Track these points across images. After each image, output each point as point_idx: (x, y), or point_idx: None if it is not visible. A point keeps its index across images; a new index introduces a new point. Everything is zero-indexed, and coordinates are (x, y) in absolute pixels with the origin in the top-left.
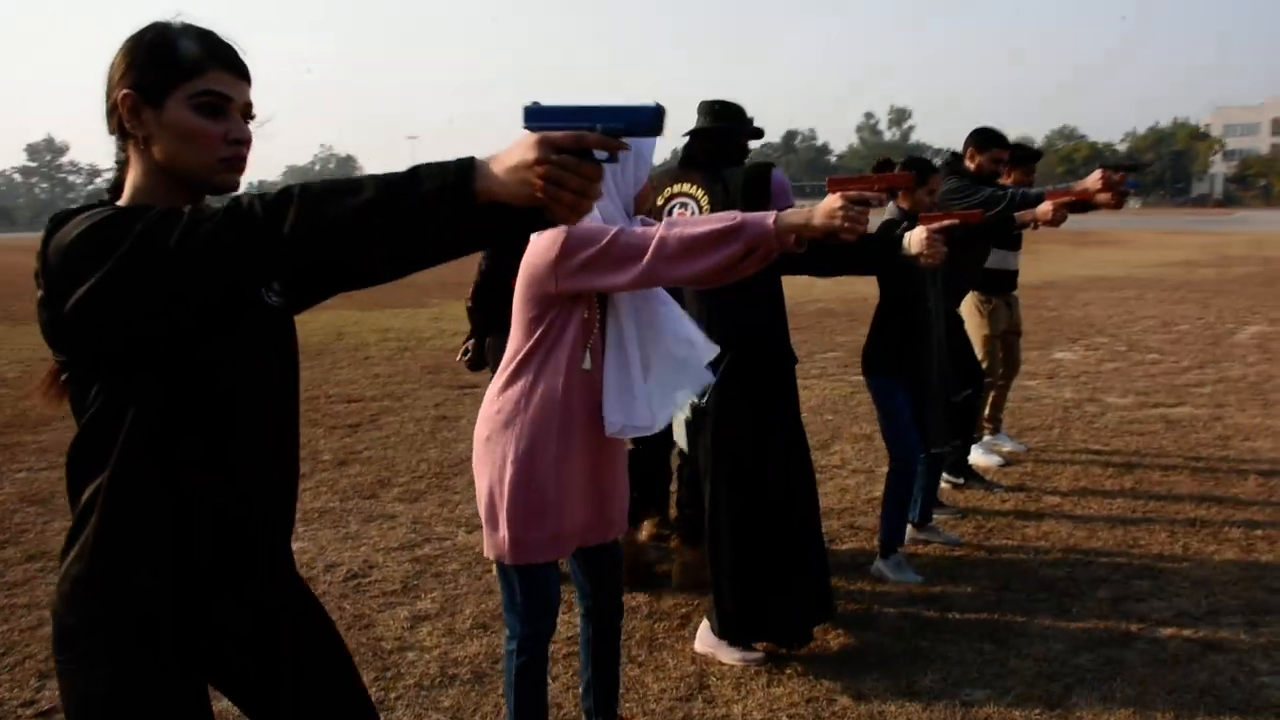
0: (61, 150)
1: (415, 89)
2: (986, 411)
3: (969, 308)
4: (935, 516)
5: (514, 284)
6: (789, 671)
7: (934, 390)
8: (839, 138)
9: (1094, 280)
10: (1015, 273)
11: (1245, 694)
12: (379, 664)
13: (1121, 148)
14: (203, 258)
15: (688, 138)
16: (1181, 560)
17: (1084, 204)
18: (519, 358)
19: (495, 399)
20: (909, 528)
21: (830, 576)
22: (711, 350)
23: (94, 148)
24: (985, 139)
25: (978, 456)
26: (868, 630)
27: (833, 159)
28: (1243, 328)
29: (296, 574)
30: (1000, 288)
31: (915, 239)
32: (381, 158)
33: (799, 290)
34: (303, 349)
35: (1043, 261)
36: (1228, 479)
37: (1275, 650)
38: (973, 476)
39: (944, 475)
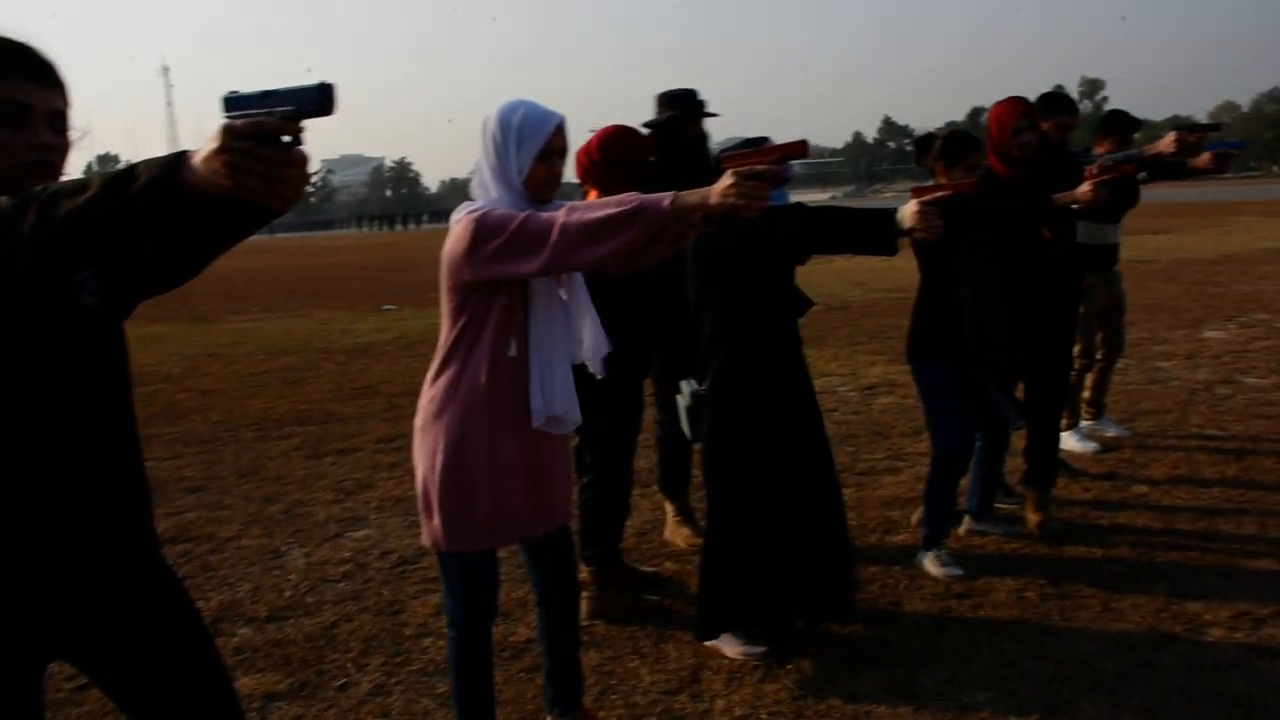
0: None
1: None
2: (1087, 395)
3: None
4: (1004, 505)
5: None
6: (789, 667)
7: (989, 374)
8: None
9: (1278, 253)
10: (1114, 246)
11: None
12: (392, 649)
13: None
14: None
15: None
16: (1263, 555)
17: (1176, 170)
18: (447, 347)
19: (428, 389)
20: (966, 519)
21: (847, 570)
22: (597, 351)
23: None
24: (1048, 105)
25: (1071, 442)
26: (889, 626)
27: None
28: None
29: (156, 563)
30: (1097, 263)
31: (908, 213)
32: None
33: None
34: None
35: (1227, 234)
36: None
37: None
38: (1058, 464)
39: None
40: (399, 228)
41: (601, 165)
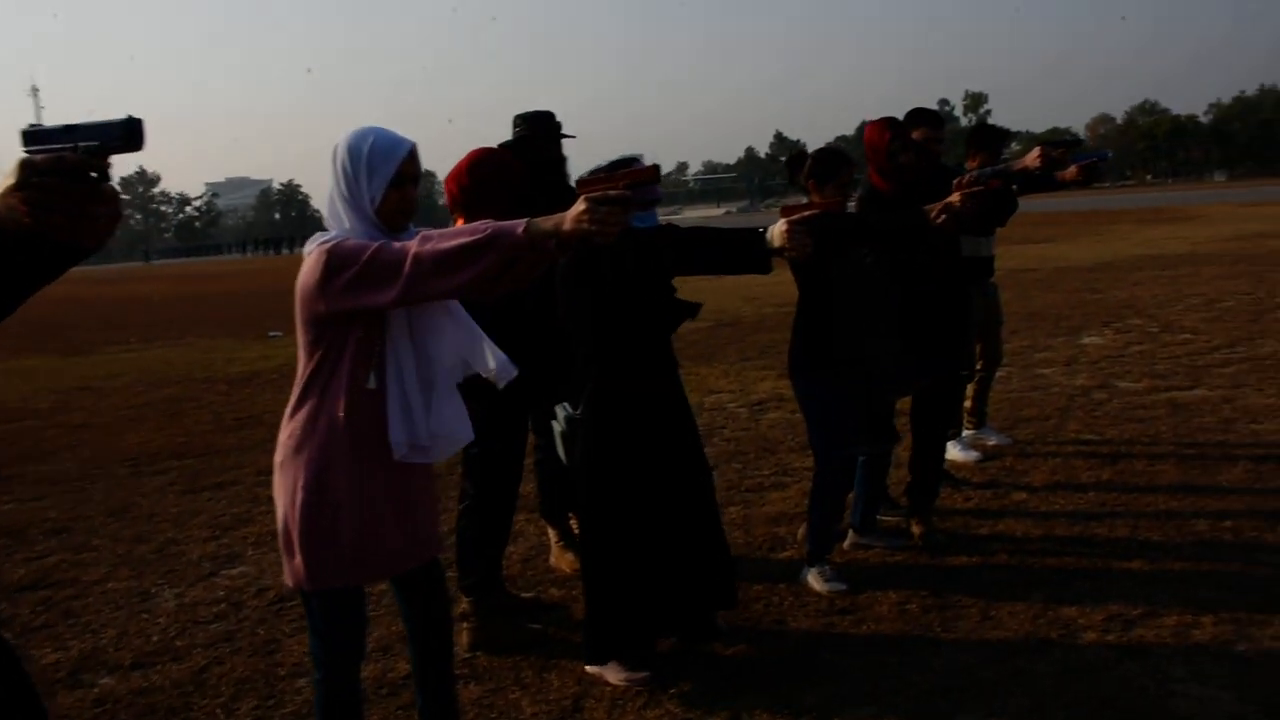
0: (153, 181)
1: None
2: (968, 404)
3: None
4: (889, 517)
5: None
6: (672, 691)
7: (870, 388)
8: None
9: (1151, 259)
10: (989, 259)
11: (1150, 704)
12: (265, 691)
13: (1206, 120)
14: None
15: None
16: (1135, 556)
17: (1045, 183)
18: (304, 381)
19: (287, 424)
20: (850, 532)
21: (729, 588)
22: (505, 373)
23: (184, 178)
24: (913, 120)
25: (953, 452)
26: (773, 644)
27: None
28: None
29: None
30: (972, 275)
31: (776, 232)
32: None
33: None
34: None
35: (1104, 241)
36: (1216, 466)
37: (1200, 655)
38: (943, 475)
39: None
40: (285, 251)
41: (471, 190)
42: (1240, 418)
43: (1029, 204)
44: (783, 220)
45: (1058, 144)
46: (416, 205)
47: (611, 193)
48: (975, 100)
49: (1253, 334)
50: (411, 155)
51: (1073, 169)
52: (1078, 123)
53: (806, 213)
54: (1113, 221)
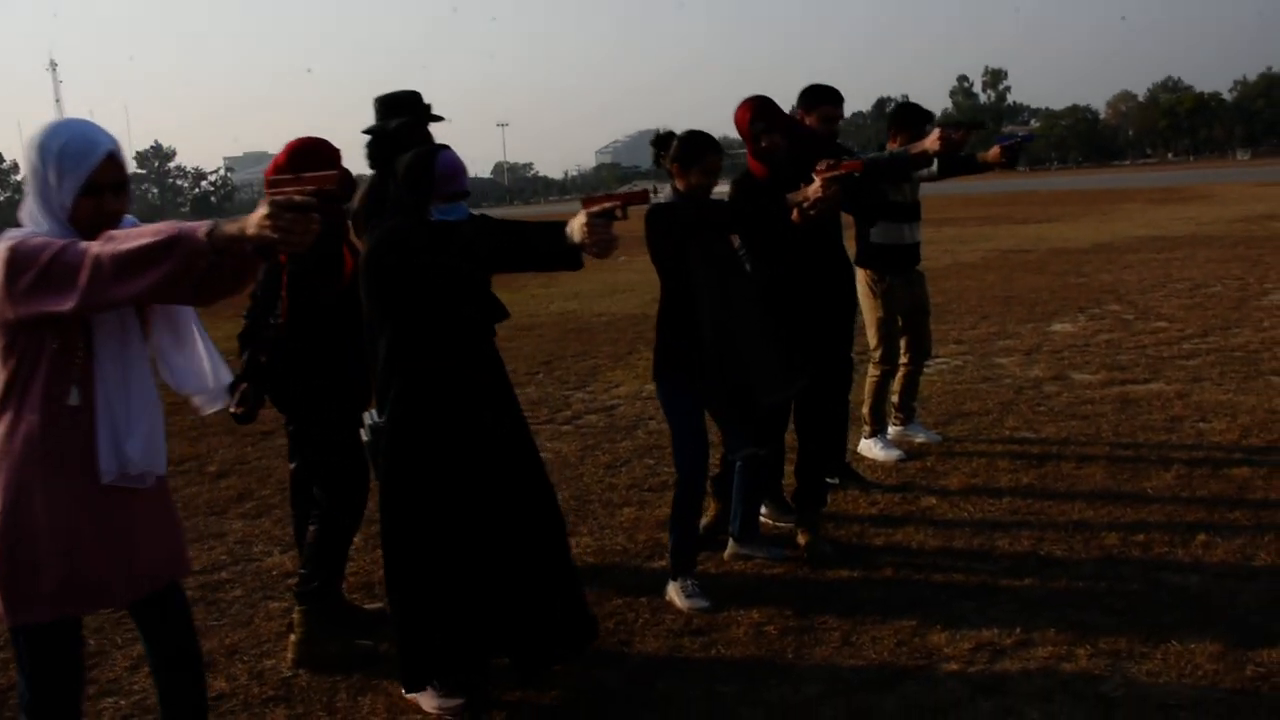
0: (169, 156)
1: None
2: (895, 399)
3: (861, 287)
4: (782, 523)
5: None
6: None
7: (734, 390)
8: (932, 102)
9: (1151, 240)
10: (914, 246)
11: None
12: None
13: (1229, 97)
14: None
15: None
16: (1029, 574)
17: (968, 164)
18: (0, 393)
19: None
20: (731, 542)
21: (575, 610)
22: (217, 391)
23: (199, 152)
24: (811, 97)
25: (874, 450)
26: (613, 668)
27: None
28: None
29: None
30: (895, 264)
31: (575, 226)
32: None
33: None
34: None
35: (1108, 221)
36: (1146, 470)
37: (1060, 695)
38: (849, 476)
39: None
40: None
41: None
42: (1189, 415)
43: (1038, 182)
44: (583, 212)
45: (957, 125)
46: (121, 214)
47: (296, 198)
48: (995, 76)
49: (1230, 322)
50: (109, 160)
51: (995, 150)
52: (1099, 100)
53: (606, 204)
54: (1122, 200)
